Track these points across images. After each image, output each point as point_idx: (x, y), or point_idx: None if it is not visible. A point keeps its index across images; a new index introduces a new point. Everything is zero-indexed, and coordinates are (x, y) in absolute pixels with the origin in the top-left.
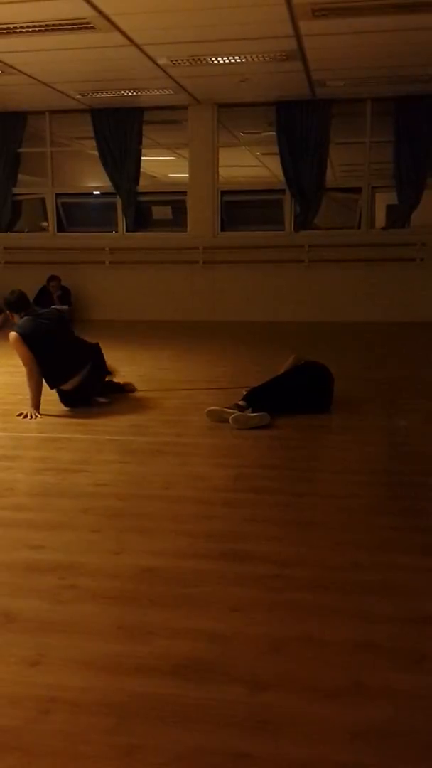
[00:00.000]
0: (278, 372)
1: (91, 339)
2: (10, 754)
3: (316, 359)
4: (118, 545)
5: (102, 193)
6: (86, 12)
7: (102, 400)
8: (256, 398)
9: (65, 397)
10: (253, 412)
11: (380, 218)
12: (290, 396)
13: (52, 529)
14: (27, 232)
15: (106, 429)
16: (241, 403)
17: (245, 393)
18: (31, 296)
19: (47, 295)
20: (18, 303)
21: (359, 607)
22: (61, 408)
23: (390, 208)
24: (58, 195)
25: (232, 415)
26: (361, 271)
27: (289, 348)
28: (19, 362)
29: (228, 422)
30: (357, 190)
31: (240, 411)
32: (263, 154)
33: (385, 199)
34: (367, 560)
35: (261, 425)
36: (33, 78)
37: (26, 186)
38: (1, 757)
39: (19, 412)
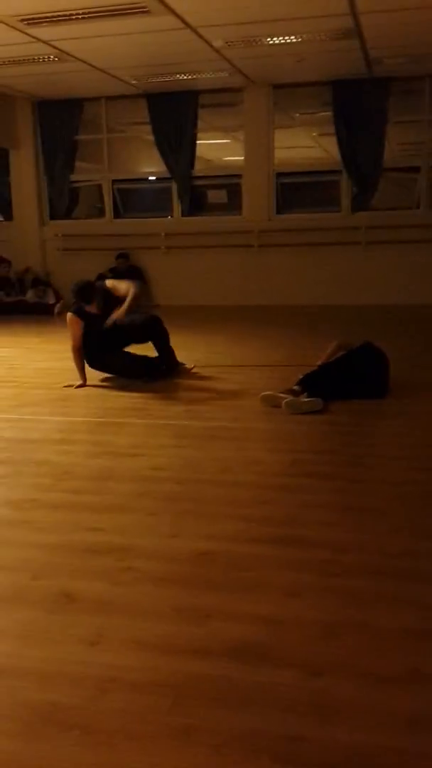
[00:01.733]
0: (320, 358)
1: None
2: (69, 732)
3: (370, 343)
4: (174, 528)
5: (157, 179)
6: None
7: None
8: (311, 383)
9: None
10: (307, 397)
11: None
12: (347, 381)
13: (110, 512)
14: (85, 219)
15: (162, 414)
16: (295, 388)
17: (300, 378)
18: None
19: (118, 275)
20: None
21: (416, 594)
22: (115, 393)
23: None
24: (114, 181)
25: (285, 400)
26: (420, 252)
27: (344, 332)
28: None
29: (281, 407)
30: (416, 170)
31: (294, 396)
32: (320, 134)
33: None
34: (424, 547)
35: (313, 410)
36: (89, 64)
37: (83, 173)
38: (61, 735)
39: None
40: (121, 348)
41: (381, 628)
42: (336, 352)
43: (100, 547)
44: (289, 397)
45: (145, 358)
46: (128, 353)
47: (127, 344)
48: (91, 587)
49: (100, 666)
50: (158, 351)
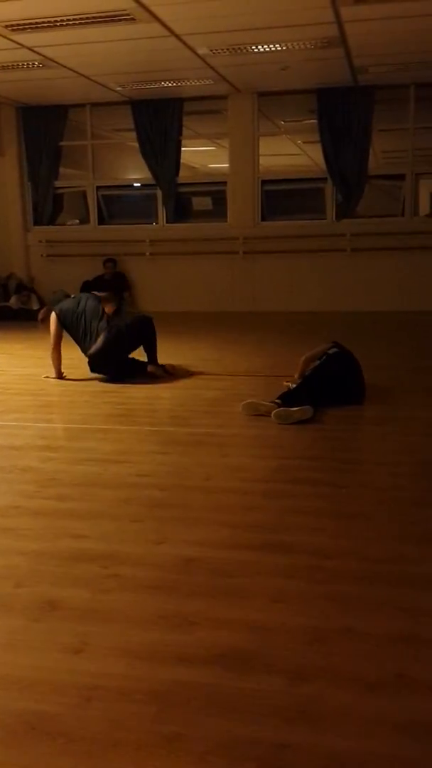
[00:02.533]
0: (295, 378)
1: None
2: (53, 740)
3: (338, 343)
4: (159, 535)
5: (142, 185)
6: (126, 3)
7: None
8: (291, 399)
9: (90, 363)
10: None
11: (424, 205)
12: (326, 389)
13: (95, 518)
14: (69, 225)
15: (147, 420)
16: (277, 401)
17: (280, 394)
18: (75, 287)
19: (104, 281)
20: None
21: (403, 599)
22: (100, 400)
23: None
24: (98, 188)
25: (274, 411)
26: (404, 259)
27: (329, 339)
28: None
29: (264, 415)
30: (400, 177)
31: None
32: (304, 142)
33: (429, 186)
34: (411, 552)
35: (304, 419)
36: (73, 71)
37: (68, 179)
38: (44, 743)
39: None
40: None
41: (367, 634)
42: (308, 365)
43: (85, 555)
44: (274, 407)
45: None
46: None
47: (128, 350)
48: (75, 595)
49: (84, 674)
50: (148, 351)
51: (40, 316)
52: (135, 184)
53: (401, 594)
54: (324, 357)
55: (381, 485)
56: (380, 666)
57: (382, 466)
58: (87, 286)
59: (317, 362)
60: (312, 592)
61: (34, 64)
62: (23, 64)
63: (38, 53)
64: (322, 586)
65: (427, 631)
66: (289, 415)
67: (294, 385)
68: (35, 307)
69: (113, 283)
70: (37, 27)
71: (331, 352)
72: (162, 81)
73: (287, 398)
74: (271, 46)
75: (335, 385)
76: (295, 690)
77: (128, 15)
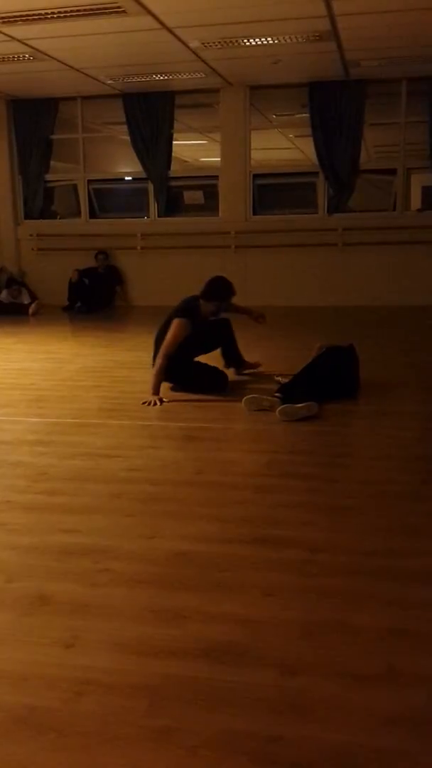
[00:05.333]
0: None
1: (123, 324)
2: (44, 735)
3: (344, 342)
4: (151, 530)
5: (134, 179)
6: None
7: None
8: (290, 392)
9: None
10: (296, 402)
11: (416, 200)
12: (321, 383)
13: (86, 513)
14: (60, 218)
15: (139, 414)
16: (277, 395)
17: (279, 385)
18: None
19: (94, 271)
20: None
21: (393, 592)
22: (92, 394)
23: (426, 190)
24: (90, 181)
25: (279, 408)
26: (396, 253)
27: (321, 333)
28: (52, 348)
29: (266, 410)
30: (392, 172)
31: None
32: (296, 136)
33: (420, 181)
34: (401, 546)
35: (309, 415)
36: (64, 64)
37: (58, 172)
38: (36, 738)
39: (143, 401)
40: (191, 358)
41: (357, 627)
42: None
43: (76, 549)
44: (277, 403)
45: (216, 369)
46: (199, 364)
47: (198, 353)
48: (66, 589)
49: (75, 668)
50: (225, 355)
51: (31, 310)
52: (126, 178)
53: (391, 587)
54: (325, 350)
55: (372, 479)
56: (370, 659)
57: (374, 461)
58: (81, 275)
59: (317, 354)
60: (303, 585)
61: (24, 56)
62: (13, 57)
63: (29, 46)
64: (312, 579)
65: (417, 624)
66: (294, 411)
67: (286, 380)
68: (26, 301)
69: (106, 275)
70: (27, 19)
71: (332, 345)
72: (153, 74)
73: (286, 392)
74: (263, 39)
75: (329, 379)
76: (286, 683)
77: (119, 8)
